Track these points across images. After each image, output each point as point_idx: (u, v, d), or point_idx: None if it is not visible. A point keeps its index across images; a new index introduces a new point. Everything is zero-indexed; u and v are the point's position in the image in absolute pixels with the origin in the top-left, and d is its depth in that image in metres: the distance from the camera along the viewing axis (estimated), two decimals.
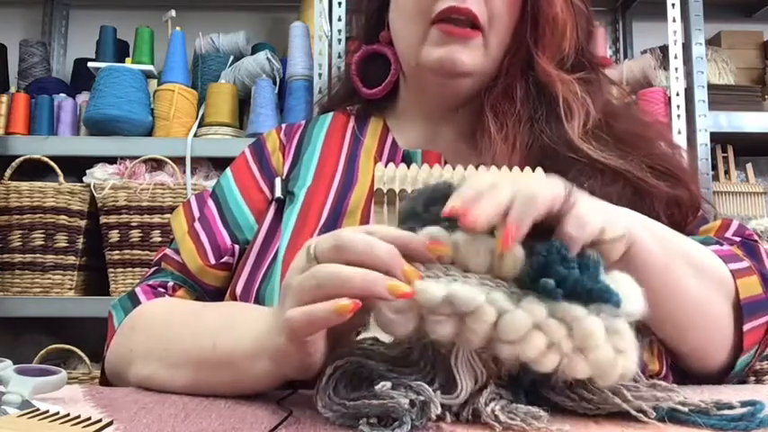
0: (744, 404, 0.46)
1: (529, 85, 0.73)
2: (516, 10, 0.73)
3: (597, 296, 0.43)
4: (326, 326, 0.45)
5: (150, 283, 0.75)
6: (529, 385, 0.48)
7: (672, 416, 0.46)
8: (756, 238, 0.71)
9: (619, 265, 0.50)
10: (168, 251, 0.77)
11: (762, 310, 0.63)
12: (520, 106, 0.72)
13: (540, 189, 0.45)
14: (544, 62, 0.71)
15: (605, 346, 0.43)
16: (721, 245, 0.68)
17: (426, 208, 0.47)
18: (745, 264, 0.65)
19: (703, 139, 1.68)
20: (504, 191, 0.45)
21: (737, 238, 0.70)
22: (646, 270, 0.55)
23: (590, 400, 0.47)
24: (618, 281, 0.46)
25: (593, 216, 0.47)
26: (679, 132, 1.67)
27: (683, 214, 0.70)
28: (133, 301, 0.72)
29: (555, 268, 0.43)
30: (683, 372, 0.68)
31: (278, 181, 0.78)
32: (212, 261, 0.74)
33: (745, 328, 0.62)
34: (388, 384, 0.43)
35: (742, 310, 0.62)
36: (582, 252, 0.46)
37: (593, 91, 0.73)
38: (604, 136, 0.71)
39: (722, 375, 0.66)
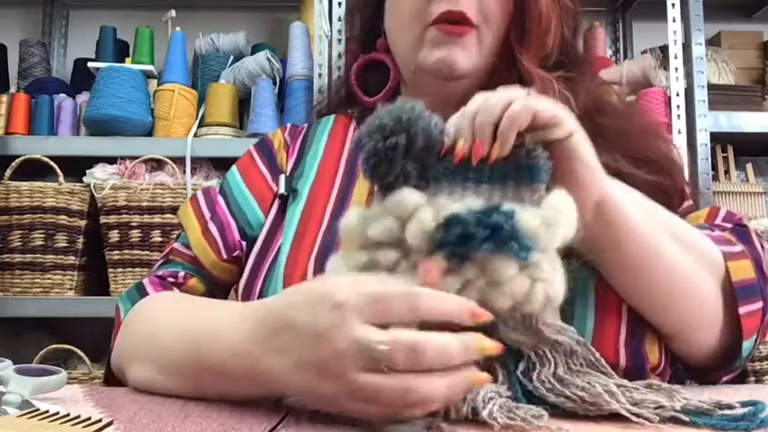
0: (744, 404, 0.46)
1: (511, 84, 0.73)
2: (508, 9, 0.74)
3: (499, 247, 0.46)
4: None
5: (160, 273, 0.75)
6: (523, 379, 0.49)
7: (672, 417, 0.46)
8: (746, 222, 0.71)
9: (597, 223, 0.54)
10: (177, 245, 0.78)
11: (756, 295, 0.64)
12: None
13: (524, 104, 0.50)
14: (526, 60, 0.72)
15: (520, 277, 0.47)
16: (712, 230, 0.68)
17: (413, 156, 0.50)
18: (738, 248, 0.65)
19: (703, 139, 1.68)
20: (494, 110, 0.50)
21: (728, 225, 0.71)
22: (625, 233, 0.57)
23: (592, 403, 0.47)
24: (552, 204, 0.49)
25: (558, 112, 0.51)
26: (679, 132, 1.67)
27: (668, 200, 0.70)
28: (141, 292, 0.73)
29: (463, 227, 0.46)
30: (685, 368, 0.68)
31: (282, 177, 0.79)
32: (224, 256, 0.75)
33: (741, 311, 0.62)
34: None
35: (735, 293, 0.62)
36: (521, 143, 0.50)
37: (576, 88, 0.73)
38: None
39: (724, 363, 0.66)
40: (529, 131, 0.51)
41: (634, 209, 0.58)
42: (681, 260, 0.60)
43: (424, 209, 0.48)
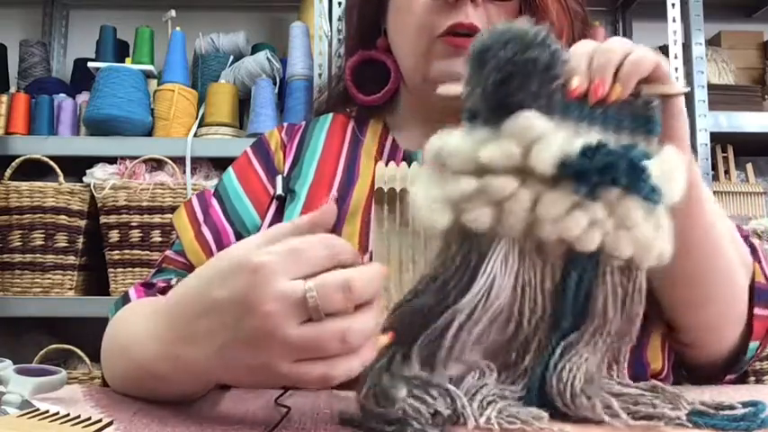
0: (745, 404, 0.46)
1: None
2: (515, 19, 0.73)
3: (635, 185, 0.43)
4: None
5: (150, 281, 0.75)
6: (539, 384, 0.47)
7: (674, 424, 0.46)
8: (753, 239, 0.71)
9: (680, 209, 0.51)
10: (170, 253, 0.77)
11: (766, 300, 0.64)
12: None
13: (645, 54, 0.49)
14: None
15: (645, 224, 0.44)
16: None
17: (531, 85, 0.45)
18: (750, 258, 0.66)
19: (703, 139, 1.68)
20: (615, 54, 0.48)
21: None
22: (696, 205, 0.56)
23: (597, 422, 0.46)
24: (670, 159, 0.46)
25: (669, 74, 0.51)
26: None
27: None
28: (125, 301, 0.72)
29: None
30: (688, 371, 0.68)
31: (279, 178, 0.78)
32: None
33: (756, 312, 0.63)
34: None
35: (756, 293, 0.63)
36: (637, 93, 0.48)
37: None
38: None
39: (727, 367, 0.66)
40: (648, 83, 0.50)
41: (707, 202, 0.58)
42: (731, 253, 0.61)
43: (555, 135, 0.43)
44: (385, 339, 0.44)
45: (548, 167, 0.43)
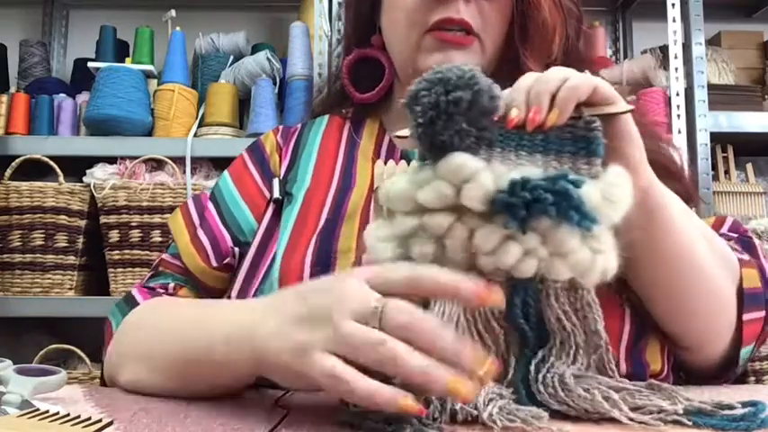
0: (744, 405, 0.46)
1: None
2: (508, 15, 0.73)
3: (565, 215, 0.45)
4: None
5: (150, 285, 0.74)
6: (525, 391, 0.48)
7: (673, 419, 0.46)
8: (751, 235, 0.71)
9: (640, 211, 0.52)
10: (166, 256, 0.77)
11: (759, 304, 0.64)
12: None
13: (583, 78, 0.50)
14: (531, 64, 0.72)
15: (581, 249, 0.46)
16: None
17: (469, 120, 0.47)
18: (746, 256, 0.66)
19: (703, 139, 1.68)
20: (551, 81, 0.50)
21: (734, 234, 0.71)
22: (665, 225, 0.56)
23: (594, 411, 0.47)
24: (612, 180, 0.48)
25: (615, 93, 0.51)
26: (679, 132, 1.67)
27: None
28: (130, 303, 0.72)
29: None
30: (686, 373, 0.68)
31: (276, 182, 0.78)
32: (214, 264, 0.74)
33: (745, 318, 0.62)
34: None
35: (744, 299, 0.62)
36: (579, 115, 0.50)
37: None
38: None
39: (722, 371, 0.66)
40: (587, 106, 0.50)
41: (672, 203, 0.58)
42: (711, 264, 0.60)
43: (484, 172, 0.46)
44: (415, 409, 0.42)
45: (478, 205, 0.45)
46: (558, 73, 0.51)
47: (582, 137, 0.50)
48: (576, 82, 0.50)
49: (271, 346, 0.47)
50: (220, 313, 0.56)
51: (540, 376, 0.48)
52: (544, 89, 0.50)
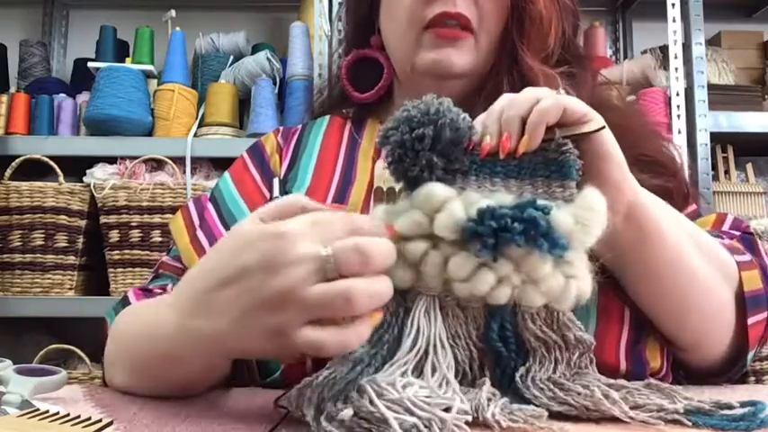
0: (744, 404, 0.46)
1: (515, 81, 0.73)
2: (505, 10, 0.74)
3: (534, 242, 0.46)
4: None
5: (147, 287, 0.74)
6: (521, 386, 0.49)
7: (673, 417, 0.46)
8: (753, 231, 0.71)
9: (626, 227, 0.54)
10: (166, 258, 0.77)
11: (762, 305, 0.64)
12: None
13: (553, 100, 0.50)
14: (528, 58, 0.72)
15: (554, 275, 0.48)
16: (722, 238, 0.68)
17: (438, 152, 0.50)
18: (747, 257, 0.65)
19: (703, 139, 1.68)
20: (522, 105, 0.51)
21: (736, 232, 0.70)
22: (653, 239, 0.56)
23: (595, 409, 0.47)
24: (586, 203, 0.49)
25: (589, 111, 0.51)
26: (679, 132, 1.67)
27: (672, 206, 0.70)
28: (125, 304, 0.71)
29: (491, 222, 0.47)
30: (686, 371, 0.68)
31: (276, 182, 0.78)
32: None
33: (750, 321, 0.62)
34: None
35: (746, 303, 0.62)
36: (551, 138, 0.50)
37: (578, 84, 0.73)
38: None
39: (723, 372, 0.66)
40: (559, 127, 0.51)
41: (662, 214, 0.58)
42: (704, 270, 0.60)
43: (454, 201, 0.48)
44: (378, 317, 0.45)
45: (449, 234, 0.47)
46: (529, 94, 0.52)
47: (554, 160, 0.51)
48: (544, 105, 0.50)
49: (233, 340, 0.46)
50: (170, 308, 0.52)
51: (530, 383, 0.49)
52: (514, 114, 0.51)
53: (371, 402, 0.41)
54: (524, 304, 0.49)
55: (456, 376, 0.48)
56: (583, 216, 0.48)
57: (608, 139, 0.53)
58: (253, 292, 0.44)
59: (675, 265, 0.58)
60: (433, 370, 0.47)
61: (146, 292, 0.73)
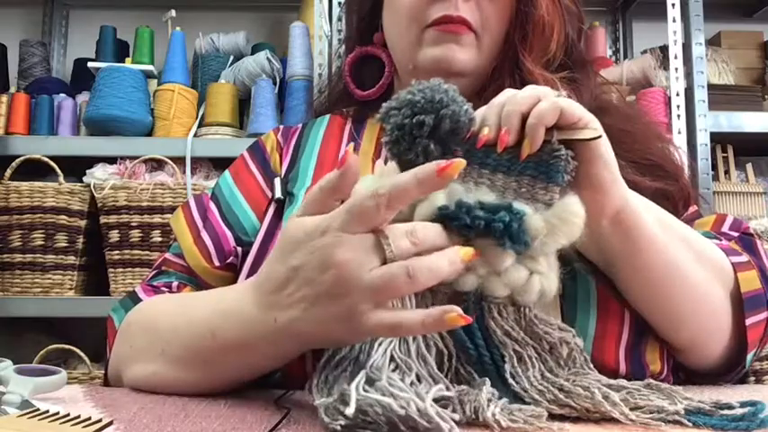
0: (744, 404, 0.46)
1: (516, 85, 0.73)
2: (507, 14, 0.74)
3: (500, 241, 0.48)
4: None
5: (153, 283, 0.74)
6: (517, 388, 0.49)
7: (674, 419, 0.46)
8: (753, 232, 0.71)
9: (616, 232, 0.55)
10: (169, 255, 0.77)
11: (761, 306, 0.64)
12: None
13: (552, 103, 0.51)
14: (529, 62, 0.72)
15: (518, 268, 0.49)
16: (719, 239, 0.68)
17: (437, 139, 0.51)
18: (744, 258, 0.65)
19: (703, 139, 1.68)
20: (523, 102, 0.51)
21: (735, 233, 0.70)
22: (643, 244, 0.57)
23: (595, 411, 0.47)
24: (562, 210, 0.50)
25: (585, 115, 0.52)
26: (679, 132, 1.67)
27: (673, 207, 0.70)
28: (134, 300, 0.72)
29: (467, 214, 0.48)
30: (686, 373, 0.68)
31: (277, 181, 0.78)
32: (217, 263, 0.74)
33: (748, 322, 0.62)
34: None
35: (743, 304, 0.62)
36: (548, 140, 0.51)
37: (580, 89, 0.73)
38: None
39: (724, 373, 0.66)
40: (556, 129, 0.51)
41: (652, 219, 0.58)
42: (696, 272, 0.60)
43: (438, 193, 0.49)
44: (470, 251, 0.46)
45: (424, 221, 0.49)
46: (530, 92, 0.52)
47: (545, 162, 0.51)
48: (543, 107, 0.50)
49: (310, 329, 0.48)
50: (238, 302, 0.55)
51: (525, 382, 0.49)
52: (515, 110, 0.51)
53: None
54: (488, 294, 0.50)
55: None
56: (554, 225, 0.49)
57: (603, 145, 0.53)
58: (312, 284, 0.47)
59: (665, 269, 0.58)
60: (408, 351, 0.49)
61: (153, 287, 0.73)
